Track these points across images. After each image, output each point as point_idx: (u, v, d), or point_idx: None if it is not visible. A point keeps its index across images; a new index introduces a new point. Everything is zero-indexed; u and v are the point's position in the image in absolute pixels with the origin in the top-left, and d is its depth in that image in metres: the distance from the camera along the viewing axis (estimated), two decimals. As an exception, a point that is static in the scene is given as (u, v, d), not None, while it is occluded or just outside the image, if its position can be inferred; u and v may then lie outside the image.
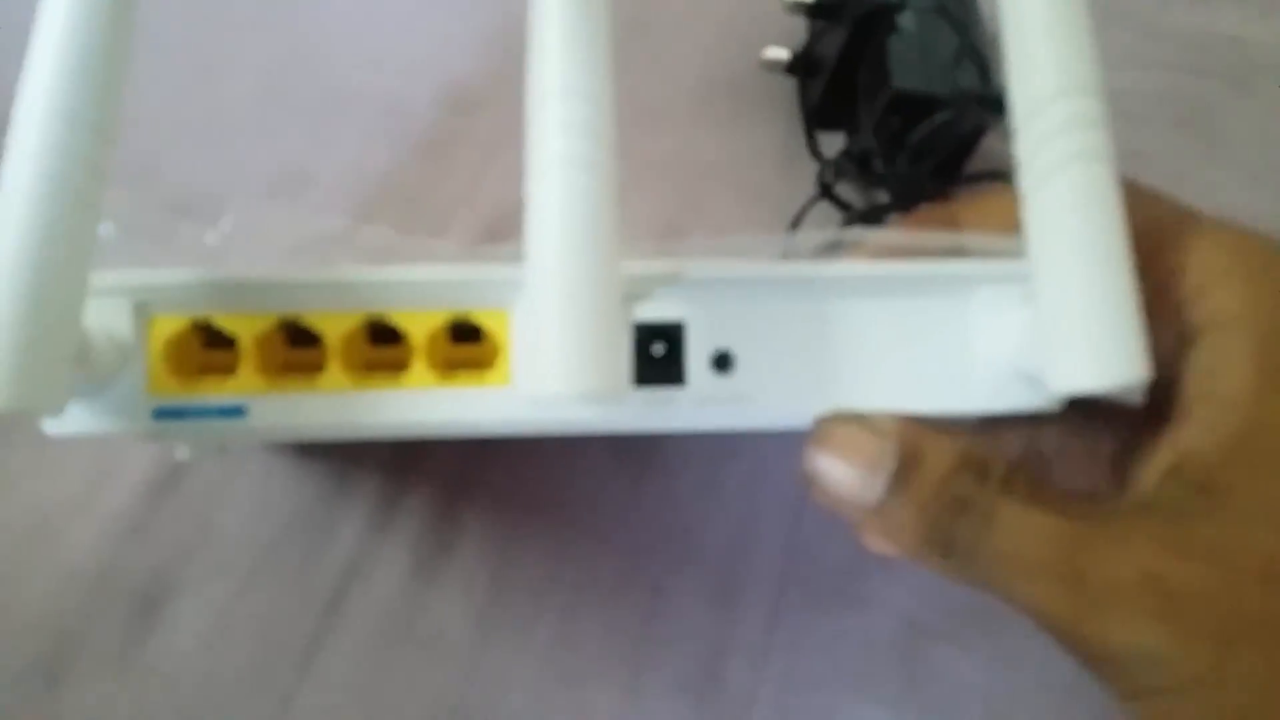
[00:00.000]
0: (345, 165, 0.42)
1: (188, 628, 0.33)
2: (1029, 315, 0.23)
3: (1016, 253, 0.22)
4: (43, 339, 0.18)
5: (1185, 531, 0.21)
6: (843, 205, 0.41)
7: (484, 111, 0.44)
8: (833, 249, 0.28)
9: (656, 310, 0.23)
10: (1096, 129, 0.20)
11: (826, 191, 0.41)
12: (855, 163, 0.40)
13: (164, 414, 0.23)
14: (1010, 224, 0.26)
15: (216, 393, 0.23)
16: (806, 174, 0.42)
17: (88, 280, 0.20)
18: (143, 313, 0.23)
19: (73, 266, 0.19)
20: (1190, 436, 0.22)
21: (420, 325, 0.23)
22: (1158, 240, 0.24)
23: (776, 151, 0.44)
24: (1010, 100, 0.21)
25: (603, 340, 0.19)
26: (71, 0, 0.19)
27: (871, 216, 0.39)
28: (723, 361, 0.24)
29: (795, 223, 0.40)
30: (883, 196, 0.42)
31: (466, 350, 0.24)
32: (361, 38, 0.46)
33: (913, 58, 0.39)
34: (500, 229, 0.41)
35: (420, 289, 0.23)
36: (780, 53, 0.44)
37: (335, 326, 0.23)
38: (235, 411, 0.23)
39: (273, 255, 0.28)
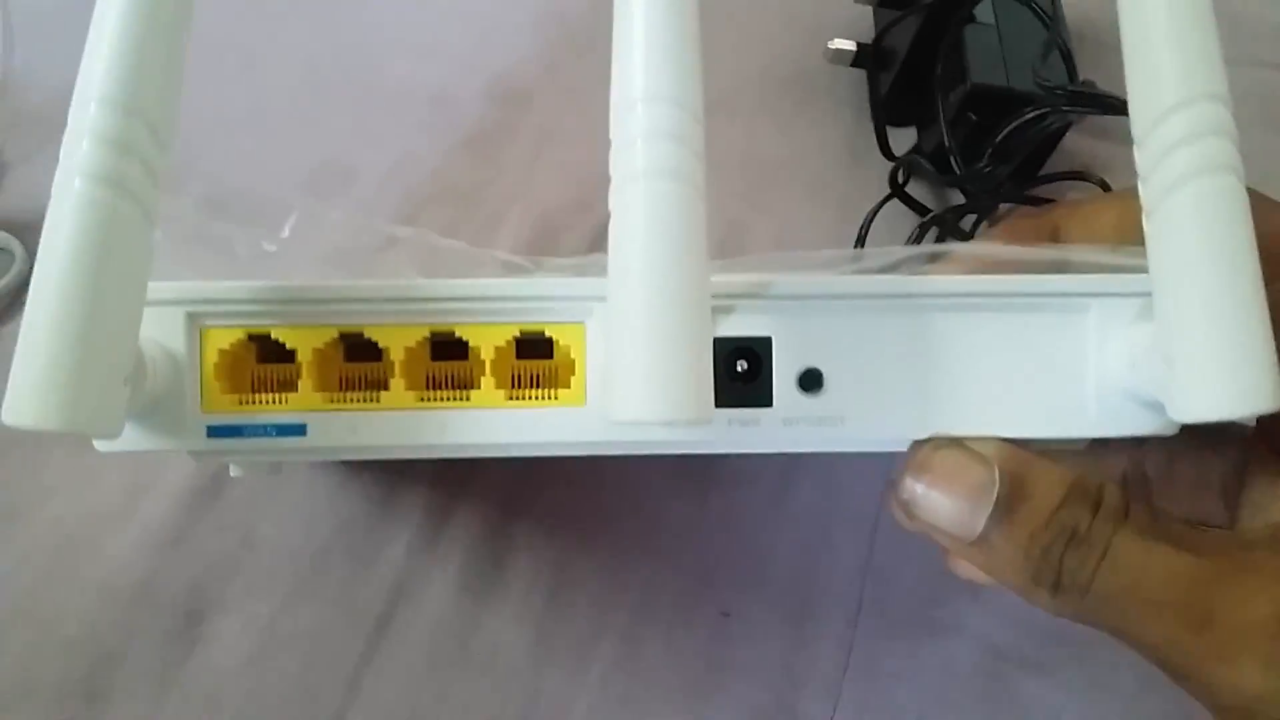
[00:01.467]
0: (391, 160, 0.41)
1: (230, 645, 0.32)
2: (1147, 334, 0.21)
3: (1128, 267, 0.20)
4: (100, 355, 0.17)
5: None
6: (915, 205, 0.39)
7: (535, 103, 0.42)
8: (918, 261, 0.26)
9: (741, 325, 0.22)
10: (1225, 138, 0.18)
11: (898, 190, 0.39)
12: (931, 161, 0.38)
13: (219, 432, 0.22)
14: (1118, 234, 0.24)
15: (274, 410, 0.22)
16: (874, 170, 0.41)
17: (146, 288, 0.18)
18: (196, 324, 0.22)
19: (130, 278, 0.18)
20: None
21: (487, 339, 0.22)
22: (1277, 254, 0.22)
23: (843, 147, 0.42)
24: (1132, 107, 0.19)
25: (691, 365, 0.18)
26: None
27: (949, 218, 0.37)
28: (811, 380, 0.22)
29: (867, 223, 0.38)
30: (956, 196, 0.40)
31: (536, 365, 0.23)
32: (406, 27, 0.44)
33: (992, 51, 0.38)
34: (554, 227, 0.39)
35: (490, 302, 0.22)
36: (848, 44, 0.42)
37: (398, 340, 0.22)
38: (294, 430, 0.22)
39: (327, 262, 0.26)
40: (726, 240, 0.39)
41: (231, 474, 0.24)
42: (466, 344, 0.22)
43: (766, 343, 0.22)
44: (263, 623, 0.32)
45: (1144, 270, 0.19)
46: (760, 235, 0.39)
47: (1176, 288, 0.19)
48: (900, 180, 0.39)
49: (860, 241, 0.38)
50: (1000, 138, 0.34)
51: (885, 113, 0.41)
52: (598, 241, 0.38)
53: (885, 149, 0.40)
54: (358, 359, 0.22)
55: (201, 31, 0.42)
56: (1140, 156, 0.19)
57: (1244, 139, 0.19)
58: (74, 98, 0.18)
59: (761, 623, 0.33)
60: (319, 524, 0.34)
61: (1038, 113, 0.34)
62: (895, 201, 0.39)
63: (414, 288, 0.22)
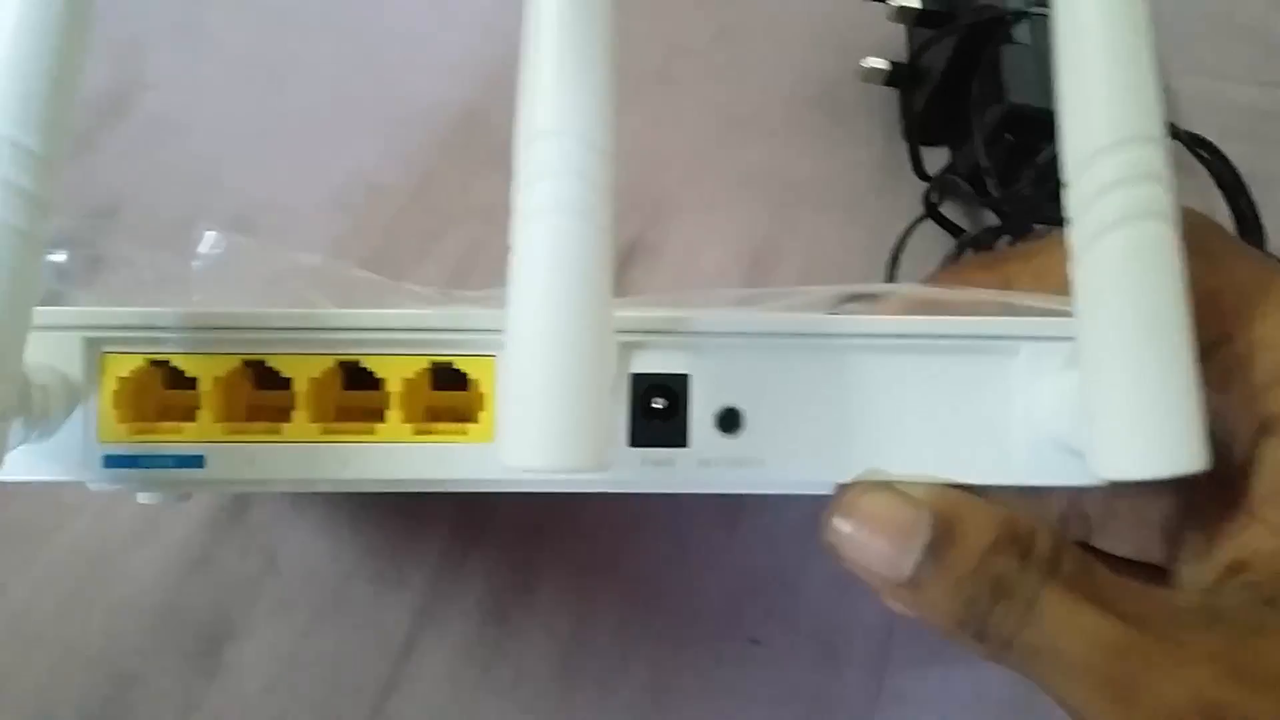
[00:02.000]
0: (418, 178, 0.40)
1: (253, 669, 0.31)
2: (1074, 382, 0.20)
3: (1067, 312, 0.19)
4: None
5: (1251, 652, 0.19)
6: (949, 226, 0.38)
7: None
8: (857, 301, 0.25)
9: (658, 362, 0.21)
10: (1157, 183, 0.18)
11: (932, 211, 0.38)
12: (967, 181, 0.37)
13: (116, 462, 0.21)
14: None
15: (172, 440, 0.21)
16: (906, 192, 0.40)
17: (30, 317, 0.18)
18: (94, 350, 0.21)
19: (12, 302, 0.17)
20: (1258, 538, 0.20)
21: (398, 370, 0.21)
22: (1236, 307, 0.22)
23: (875, 167, 0.41)
24: (1060, 147, 0.19)
25: (588, 413, 0.17)
26: (19, 12, 0.17)
27: (985, 239, 0.36)
28: (730, 420, 0.21)
29: (899, 245, 0.37)
30: (990, 217, 0.39)
31: (449, 398, 0.22)
32: (436, 45, 0.44)
33: (1029, 71, 0.37)
34: None
35: (399, 333, 0.21)
36: (880, 63, 0.41)
37: (303, 370, 0.21)
38: (192, 461, 0.21)
39: (240, 289, 0.26)
40: (759, 260, 0.38)
41: (140, 500, 0.23)
42: (377, 376, 0.22)
43: (683, 380, 0.21)
44: (286, 647, 0.32)
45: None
46: (790, 256, 0.39)
47: (1098, 337, 0.18)
48: (934, 200, 0.38)
49: (894, 262, 0.37)
50: (1043, 159, 0.34)
51: (919, 132, 0.40)
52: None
53: (919, 169, 0.39)
54: (266, 387, 0.22)
55: (226, 46, 0.43)
56: (1069, 199, 0.19)
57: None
58: None
59: (791, 650, 0.32)
60: (343, 547, 0.33)
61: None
62: (928, 222, 0.39)
63: (322, 317, 0.21)
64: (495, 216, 0.37)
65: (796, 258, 0.39)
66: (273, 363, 0.21)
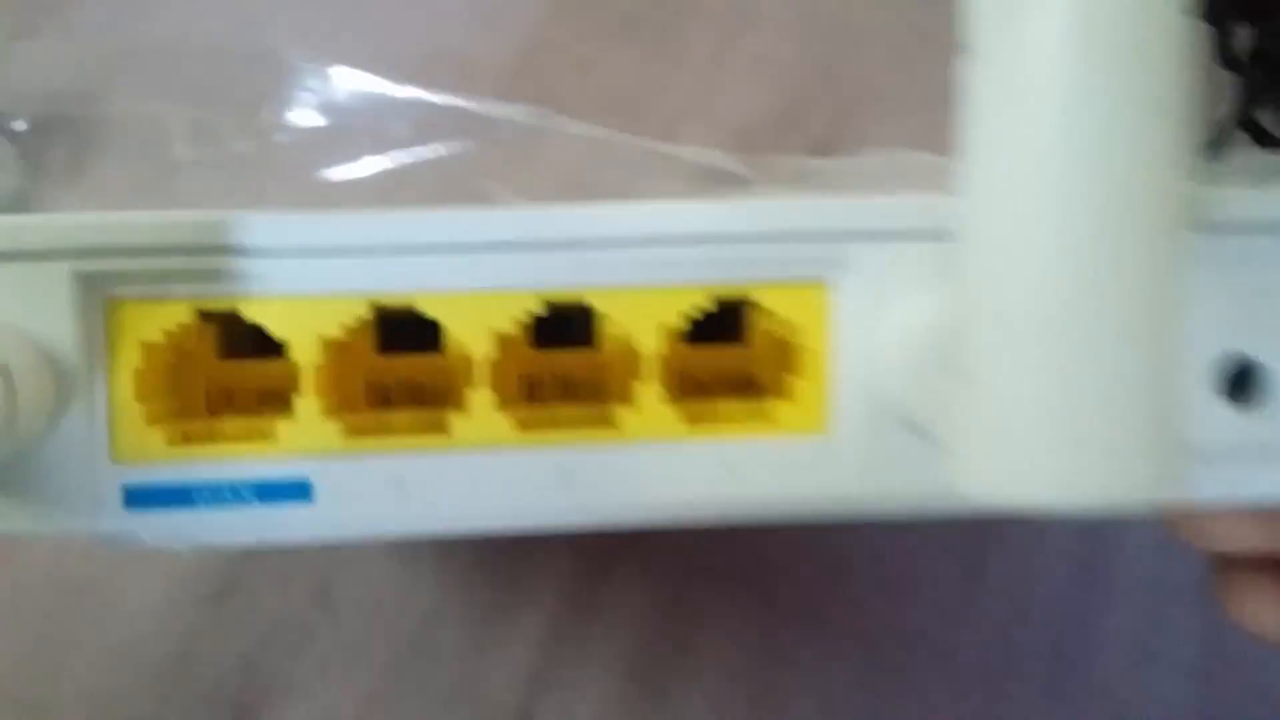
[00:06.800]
0: (518, 49, 0.30)
1: (299, 749, 0.24)
2: None
3: None
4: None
5: None
6: (1263, 136, 0.28)
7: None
8: None
9: None
10: None
11: (1246, 117, 0.28)
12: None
13: (145, 498, 0.14)
14: None
15: (250, 451, 0.14)
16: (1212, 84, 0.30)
17: None
18: (95, 294, 0.14)
19: None
20: None
21: (643, 315, 0.14)
22: None
23: None
24: None
25: (1160, 403, 0.10)
26: None
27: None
28: (1244, 382, 0.14)
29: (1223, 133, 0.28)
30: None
31: (725, 358, 0.15)
32: None
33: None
34: (754, 146, 0.29)
35: (658, 248, 0.14)
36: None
37: (479, 319, 0.14)
38: (287, 491, 0.14)
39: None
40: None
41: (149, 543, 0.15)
42: (599, 325, 0.14)
43: None
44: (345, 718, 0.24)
45: None
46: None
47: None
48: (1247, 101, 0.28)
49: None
50: None
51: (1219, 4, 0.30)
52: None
53: (1228, 53, 0.29)
54: (401, 350, 0.15)
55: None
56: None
57: None
58: None
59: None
60: (422, 581, 0.25)
61: None
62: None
63: (515, 222, 0.14)
64: (626, 106, 0.30)
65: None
66: (426, 307, 0.14)
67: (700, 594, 0.25)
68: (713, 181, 0.17)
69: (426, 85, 0.28)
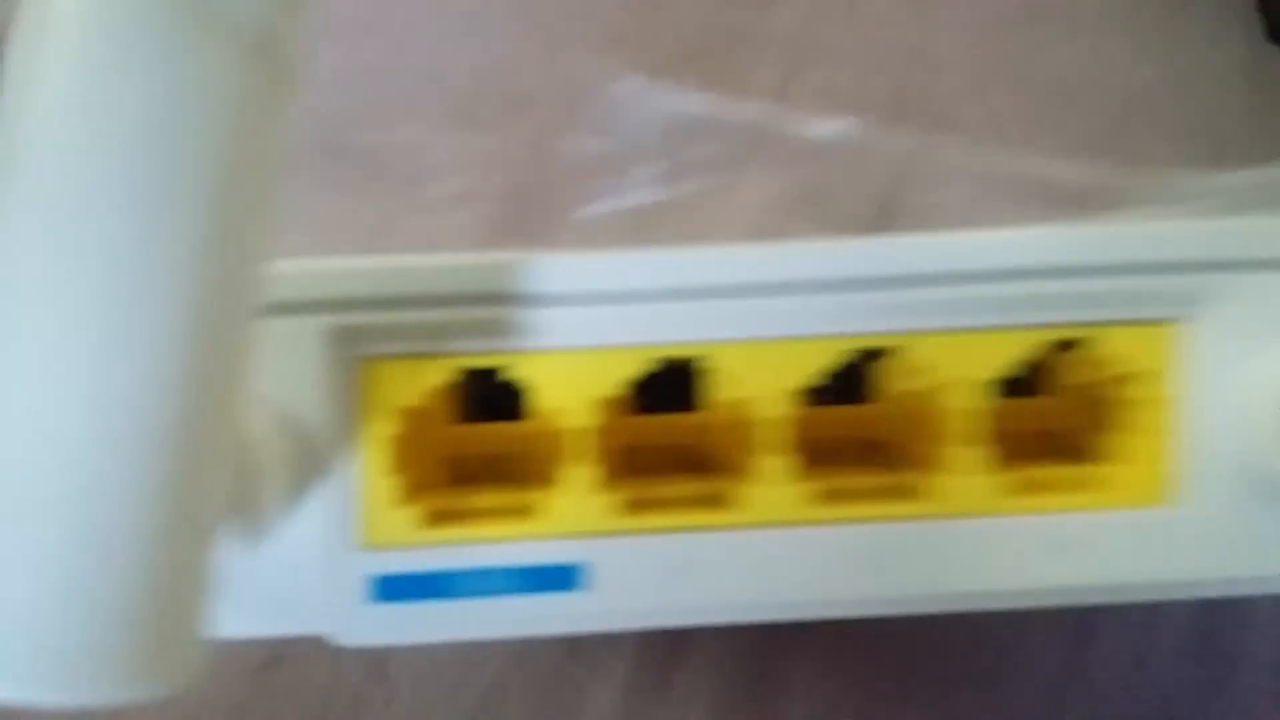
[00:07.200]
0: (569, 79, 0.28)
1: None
2: None
3: None
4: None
5: None
6: None
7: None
8: None
9: None
10: None
11: None
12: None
13: (399, 590, 0.12)
14: None
15: (511, 533, 0.12)
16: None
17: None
18: (350, 353, 0.12)
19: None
20: None
21: (960, 365, 0.12)
22: None
23: (1232, 69, 0.32)
24: None
25: None
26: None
27: None
28: None
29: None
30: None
31: (1032, 412, 0.14)
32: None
33: None
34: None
35: (968, 281, 0.12)
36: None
37: (777, 377, 0.12)
38: (561, 578, 0.12)
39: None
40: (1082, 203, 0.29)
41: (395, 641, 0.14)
42: (891, 378, 0.13)
43: None
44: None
45: None
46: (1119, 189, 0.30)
47: None
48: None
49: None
50: None
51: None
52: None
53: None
54: (662, 408, 0.14)
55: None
56: None
57: None
58: None
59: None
60: (485, 649, 0.23)
61: None
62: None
63: (818, 259, 0.12)
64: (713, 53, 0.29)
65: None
66: (714, 360, 0.12)
67: (787, 657, 0.23)
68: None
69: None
